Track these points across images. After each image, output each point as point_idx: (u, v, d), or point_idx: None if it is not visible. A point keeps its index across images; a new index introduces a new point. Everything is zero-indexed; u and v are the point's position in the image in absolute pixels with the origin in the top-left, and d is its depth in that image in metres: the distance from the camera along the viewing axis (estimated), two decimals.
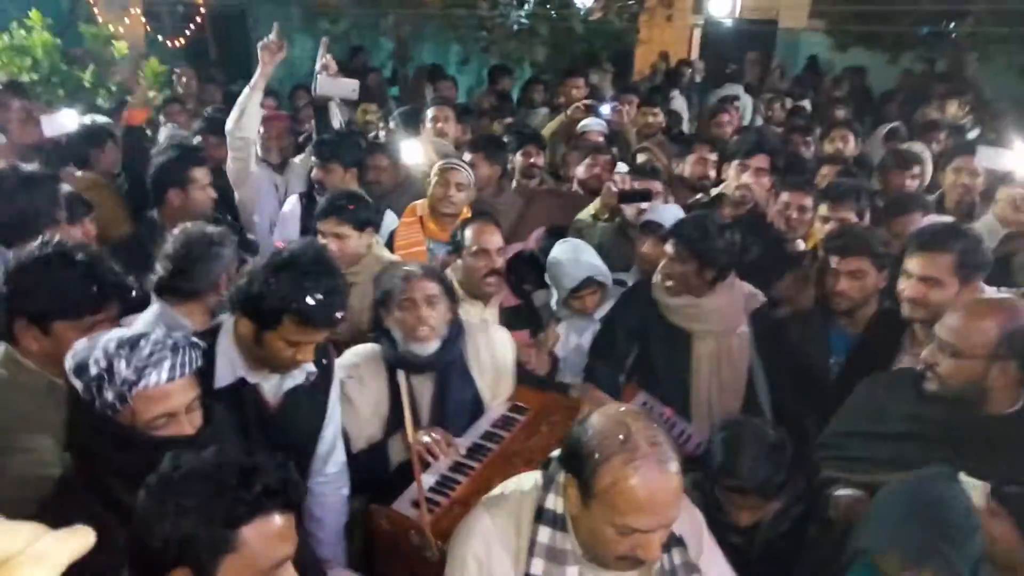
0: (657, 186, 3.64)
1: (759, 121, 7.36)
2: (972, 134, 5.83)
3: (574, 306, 3.08)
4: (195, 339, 1.68)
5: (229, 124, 3.65)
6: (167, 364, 1.57)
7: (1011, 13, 7.13)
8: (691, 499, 2.23)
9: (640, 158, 4.57)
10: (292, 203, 3.83)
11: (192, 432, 1.61)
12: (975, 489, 1.89)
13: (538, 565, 1.60)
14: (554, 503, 1.63)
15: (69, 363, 1.57)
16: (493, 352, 2.57)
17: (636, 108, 5.80)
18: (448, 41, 9.08)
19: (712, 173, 4.29)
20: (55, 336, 1.93)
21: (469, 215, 3.64)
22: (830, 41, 9.95)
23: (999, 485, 1.81)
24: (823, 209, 3.32)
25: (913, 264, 2.51)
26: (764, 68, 9.66)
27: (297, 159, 4.36)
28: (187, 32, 7.07)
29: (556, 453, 1.69)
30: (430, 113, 4.75)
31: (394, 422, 2.39)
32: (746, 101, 7.66)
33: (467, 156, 4.07)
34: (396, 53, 8.87)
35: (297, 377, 2.16)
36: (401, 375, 2.40)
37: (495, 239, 2.93)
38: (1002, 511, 1.85)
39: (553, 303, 3.17)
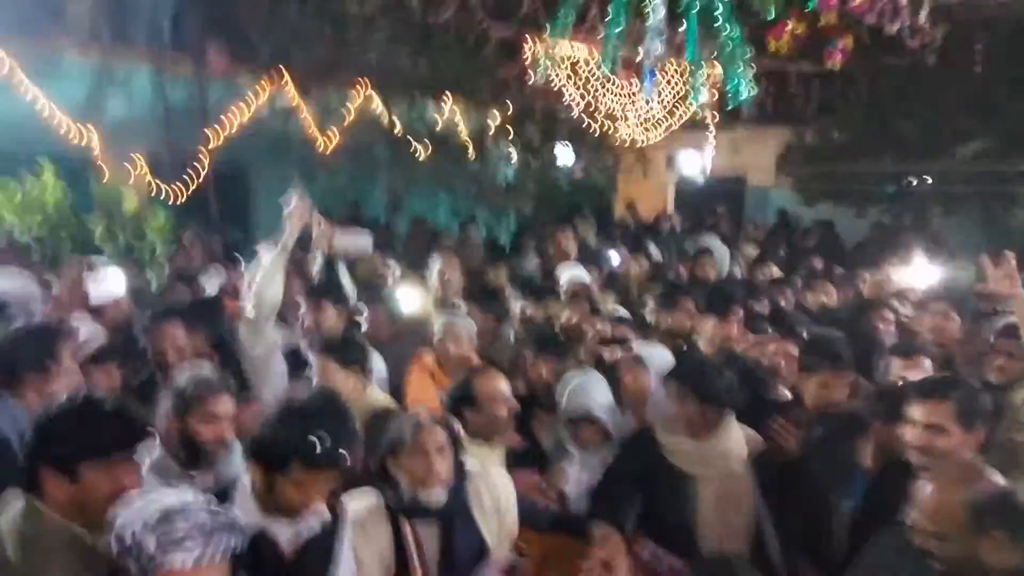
0: (630, 333, 3.86)
1: (737, 270, 7.67)
2: None
3: (573, 436, 3.16)
4: (239, 523, 1.73)
5: (253, 286, 3.72)
6: (196, 552, 1.60)
7: (967, 174, 7.74)
8: None
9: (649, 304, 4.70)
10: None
11: None
12: None
13: None
14: None
15: (114, 522, 1.64)
16: (495, 496, 2.60)
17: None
18: (438, 193, 9.51)
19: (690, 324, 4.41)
20: (83, 481, 1.94)
21: (475, 361, 3.75)
22: (798, 196, 10.57)
23: None
24: (825, 376, 3.35)
25: (916, 412, 2.60)
26: (736, 220, 10.18)
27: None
28: (189, 188, 7.34)
29: None
30: (436, 264, 4.92)
31: (400, 573, 2.36)
32: (723, 251, 8.01)
33: (464, 306, 4.22)
34: (389, 206, 9.25)
35: (313, 526, 2.16)
36: (407, 526, 2.38)
37: (505, 384, 3.03)
38: None
39: (563, 437, 3.22)
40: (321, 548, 2.20)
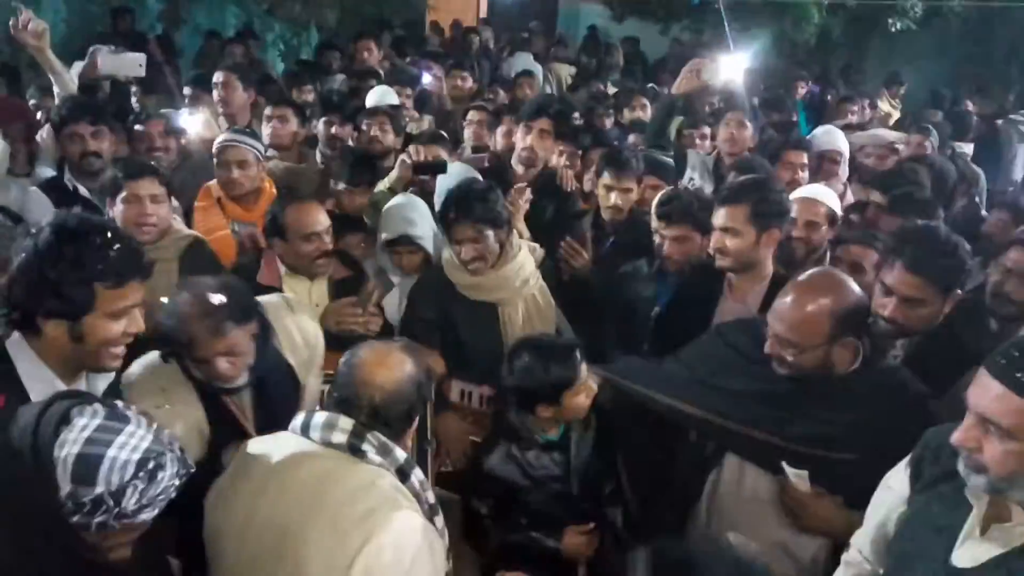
0: (443, 154, 3.71)
1: (548, 89, 7.61)
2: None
3: (394, 260, 3.09)
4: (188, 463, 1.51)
5: None
6: (163, 501, 1.40)
7: None
8: (504, 471, 2.39)
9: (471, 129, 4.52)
10: (36, 200, 3.17)
11: (128, 557, 1.44)
12: (798, 478, 2.06)
13: (425, 505, 1.81)
14: (402, 455, 1.78)
15: (71, 452, 1.31)
16: (304, 331, 2.48)
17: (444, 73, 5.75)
18: (225, 3, 8.44)
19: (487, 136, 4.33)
20: None
21: (269, 187, 3.47)
22: (607, 12, 10.50)
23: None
24: (607, 178, 3.44)
25: (716, 217, 2.70)
26: (549, 37, 10.01)
27: (40, 136, 3.66)
28: None
29: (342, 438, 1.73)
30: (217, 78, 4.40)
31: (219, 439, 2.19)
32: (537, 69, 7.89)
33: (270, 111, 3.97)
34: (166, 15, 8.09)
35: (108, 377, 1.96)
36: (225, 400, 2.19)
37: (322, 219, 2.80)
38: (824, 493, 2.04)
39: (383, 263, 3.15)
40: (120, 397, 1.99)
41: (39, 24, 3.41)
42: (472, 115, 4.55)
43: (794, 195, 3.16)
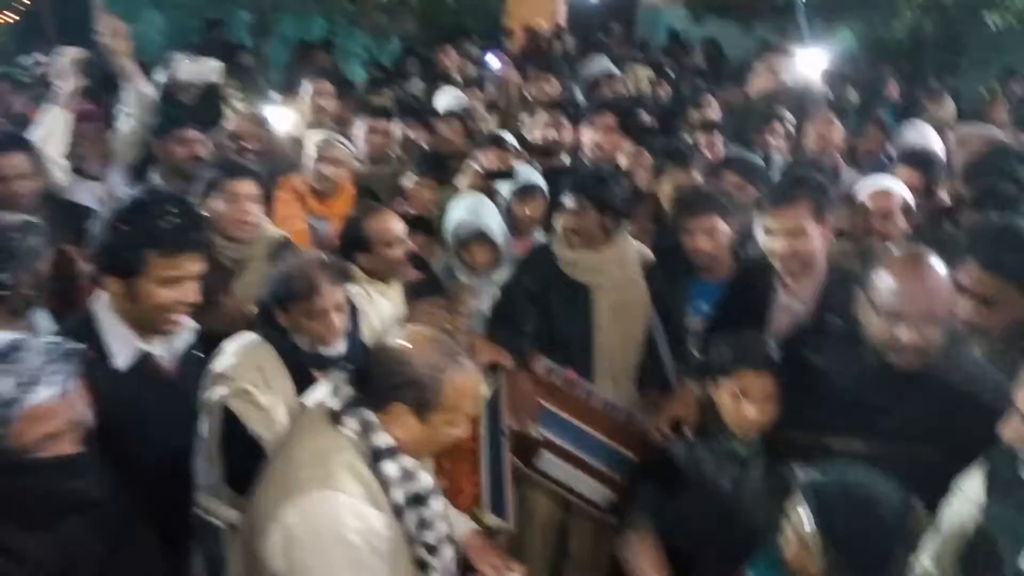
0: (510, 159, 3.77)
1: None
2: None
3: (464, 260, 3.11)
4: (72, 344, 1.55)
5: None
6: (57, 377, 1.43)
7: None
8: (678, 458, 2.27)
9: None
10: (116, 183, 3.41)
11: (75, 450, 1.48)
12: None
13: (398, 493, 1.70)
14: (383, 440, 1.69)
15: None
16: (382, 315, 2.65)
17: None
18: (311, 13, 8.74)
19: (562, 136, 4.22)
20: None
21: (349, 188, 3.58)
22: (688, 13, 10.35)
23: None
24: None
25: (771, 219, 2.50)
26: (627, 39, 9.92)
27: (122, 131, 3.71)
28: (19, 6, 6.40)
29: (336, 405, 1.72)
30: (309, 87, 4.54)
31: None
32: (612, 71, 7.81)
33: (374, 123, 4.03)
34: (256, 27, 8.45)
35: (187, 338, 2.08)
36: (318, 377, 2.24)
37: (400, 224, 2.88)
38: None
39: (452, 264, 3.19)
40: (198, 368, 2.15)
41: (118, 24, 3.54)
42: (543, 116, 4.33)
43: (863, 188, 3.04)
